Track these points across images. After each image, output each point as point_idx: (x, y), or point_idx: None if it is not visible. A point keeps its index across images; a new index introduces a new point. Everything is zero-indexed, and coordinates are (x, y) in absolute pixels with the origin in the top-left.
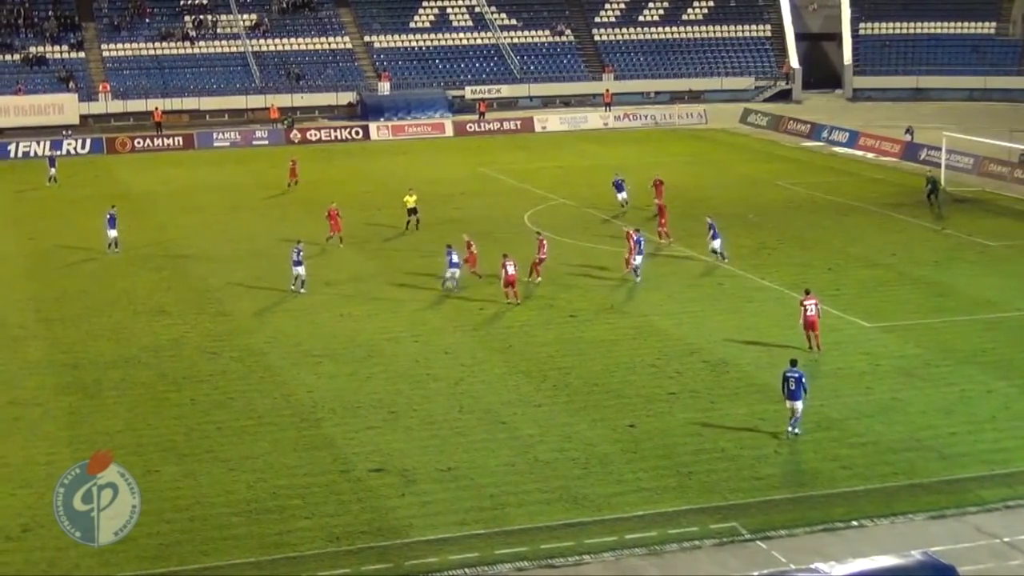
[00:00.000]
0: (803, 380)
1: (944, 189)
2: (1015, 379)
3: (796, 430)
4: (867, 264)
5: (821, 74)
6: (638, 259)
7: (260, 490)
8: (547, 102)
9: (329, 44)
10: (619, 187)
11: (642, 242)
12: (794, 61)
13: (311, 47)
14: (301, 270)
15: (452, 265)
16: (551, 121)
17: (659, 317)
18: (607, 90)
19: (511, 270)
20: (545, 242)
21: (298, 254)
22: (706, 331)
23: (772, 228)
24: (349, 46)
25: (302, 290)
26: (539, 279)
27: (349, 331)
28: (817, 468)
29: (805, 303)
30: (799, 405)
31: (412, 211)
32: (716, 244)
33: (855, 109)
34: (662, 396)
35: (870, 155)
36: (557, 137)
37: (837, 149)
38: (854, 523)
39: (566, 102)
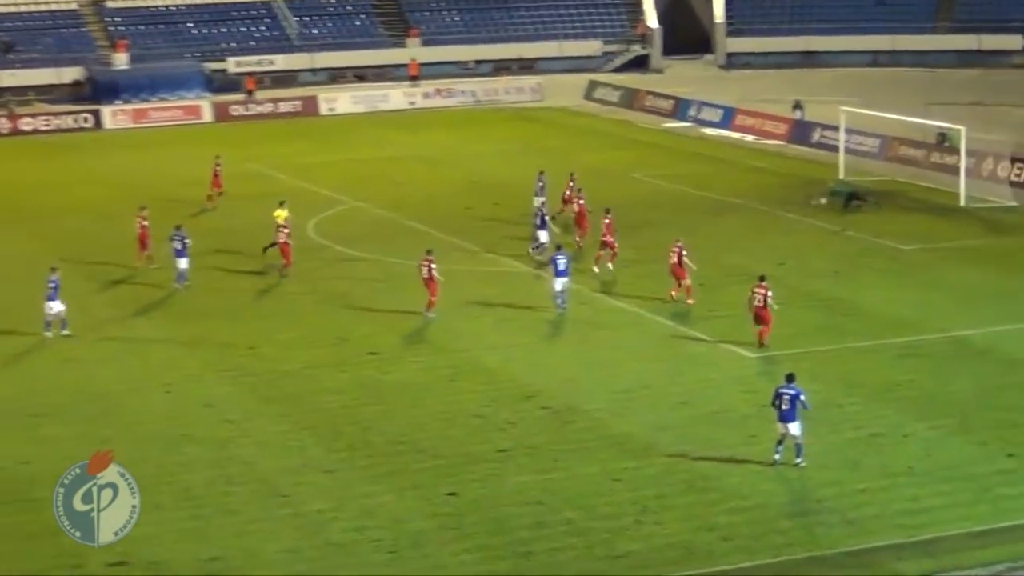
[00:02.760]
0: (801, 398)
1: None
2: (938, 419)
3: (799, 460)
4: (748, 276)
5: (686, 36)
6: (558, 283)
7: None
8: (336, 76)
9: (47, 4)
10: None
11: (560, 262)
12: (652, 20)
13: (23, 8)
14: (56, 305)
15: (178, 254)
16: (341, 100)
17: (484, 352)
18: (413, 59)
19: (424, 273)
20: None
21: (53, 286)
22: (545, 369)
23: (627, 233)
24: (73, 6)
25: (64, 331)
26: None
27: (77, 381)
28: (691, 541)
29: (756, 291)
30: (794, 428)
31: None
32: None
33: (730, 79)
34: (490, 455)
35: (749, 137)
36: (349, 121)
37: (708, 131)
38: None
39: (360, 76)
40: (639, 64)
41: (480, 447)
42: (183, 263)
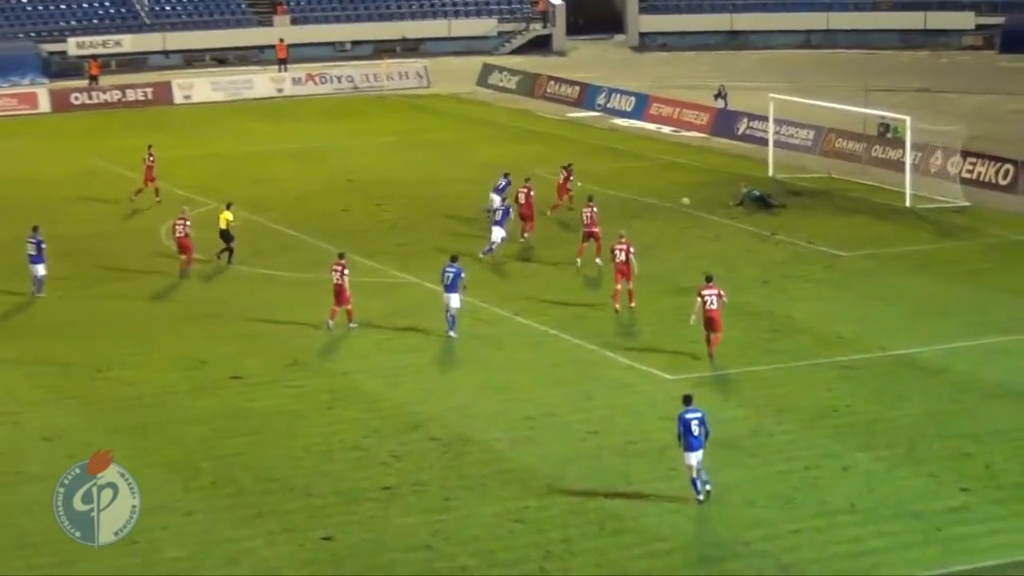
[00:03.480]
0: (704, 423)
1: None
2: (881, 449)
3: (706, 487)
4: (666, 288)
5: (593, 13)
6: (444, 299)
7: None
8: (192, 59)
9: None
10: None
11: (449, 274)
12: None
13: None
14: None
15: (34, 260)
16: (199, 87)
17: (365, 375)
18: (281, 40)
19: (336, 279)
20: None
21: None
22: (435, 394)
23: (529, 239)
24: None
25: None
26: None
27: None
28: None
29: (704, 293)
30: (700, 455)
31: (225, 234)
32: (498, 236)
33: (643, 63)
34: (373, 493)
35: (666, 129)
36: (208, 111)
37: (619, 121)
38: None
39: (220, 59)
40: (540, 45)
41: (361, 484)
42: (40, 269)
